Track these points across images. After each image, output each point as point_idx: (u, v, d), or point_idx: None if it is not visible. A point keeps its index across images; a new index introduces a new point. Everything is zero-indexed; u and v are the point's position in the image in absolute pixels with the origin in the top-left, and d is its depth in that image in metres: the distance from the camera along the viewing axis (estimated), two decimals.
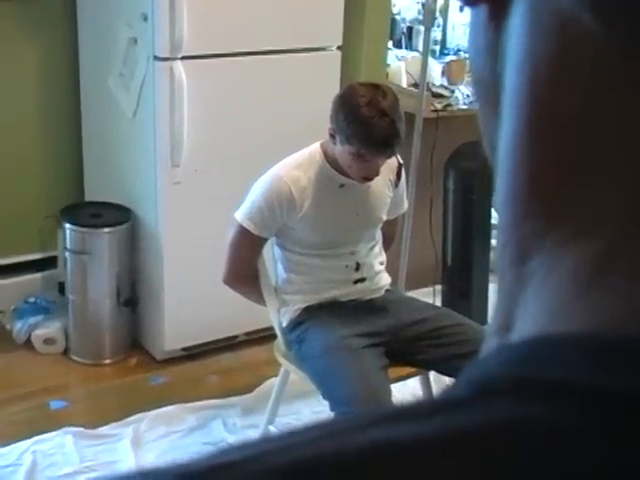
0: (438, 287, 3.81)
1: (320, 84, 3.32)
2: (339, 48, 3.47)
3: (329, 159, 2.53)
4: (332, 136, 2.48)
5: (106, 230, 3.36)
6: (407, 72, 3.91)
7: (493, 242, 3.95)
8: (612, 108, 0.31)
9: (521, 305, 0.34)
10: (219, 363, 3.50)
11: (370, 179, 2.51)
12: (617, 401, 0.28)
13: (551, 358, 0.30)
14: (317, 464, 0.28)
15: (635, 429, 0.27)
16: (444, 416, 0.30)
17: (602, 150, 0.32)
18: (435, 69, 3.92)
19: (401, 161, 2.71)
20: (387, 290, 2.73)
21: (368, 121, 2.35)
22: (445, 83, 3.90)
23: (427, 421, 0.30)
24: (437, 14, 4.21)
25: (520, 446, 0.28)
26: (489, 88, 0.37)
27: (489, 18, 0.36)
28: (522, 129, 0.34)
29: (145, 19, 3.07)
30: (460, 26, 4.46)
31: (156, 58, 3.09)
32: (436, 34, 4.32)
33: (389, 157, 2.48)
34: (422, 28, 3.78)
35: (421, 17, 4.16)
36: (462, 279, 3.77)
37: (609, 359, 0.29)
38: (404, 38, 4.31)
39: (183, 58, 3.09)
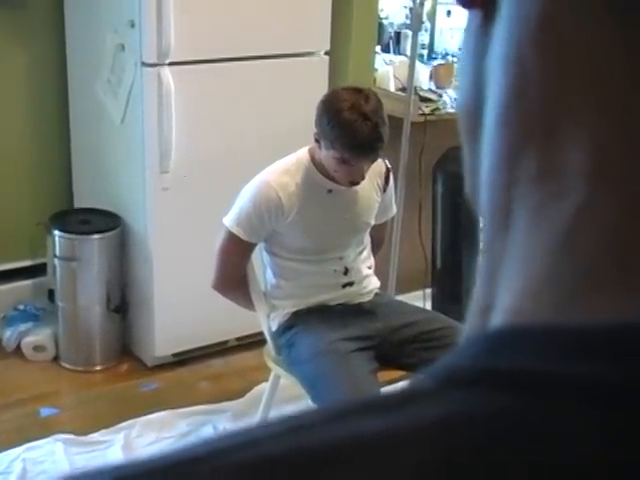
0: (428, 290, 3.82)
1: (308, 89, 3.33)
2: (327, 53, 3.48)
3: (317, 164, 2.53)
4: (317, 141, 2.48)
5: (95, 237, 3.36)
6: (395, 76, 3.92)
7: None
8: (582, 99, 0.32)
9: (500, 283, 0.35)
10: (209, 369, 3.50)
11: (356, 183, 2.52)
12: (575, 389, 0.28)
13: (515, 350, 0.31)
14: (277, 460, 0.29)
15: (593, 417, 0.28)
16: (410, 409, 0.30)
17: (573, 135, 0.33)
18: (423, 73, 3.93)
19: (389, 166, 2.72)
20: (376, 294, 2.74)
21: (351, 125, 2.36)
22: (433, 87, 3.91)
23: (394, 414, 0.30)
24: (424, 18, 4.22)
25: (483, 436, 0.28)
26: (474, 88, 0.38)
27: (480, 23, 0.38)
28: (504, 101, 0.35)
29: (132, 26, 3.07)
30: (447, 30, 4.47)
31: (143, 64, 3.09)
32: (424, 38, 4.34)
33: (373, 161, 2.48)
34: (410, 32, 3.79)
35: (409, 22, 4.18)
36: (452, 282, 3.78)
37: (570, 349, 0.29)
38: (392, 43, 4.32)
39: (171, 64, 3.09)
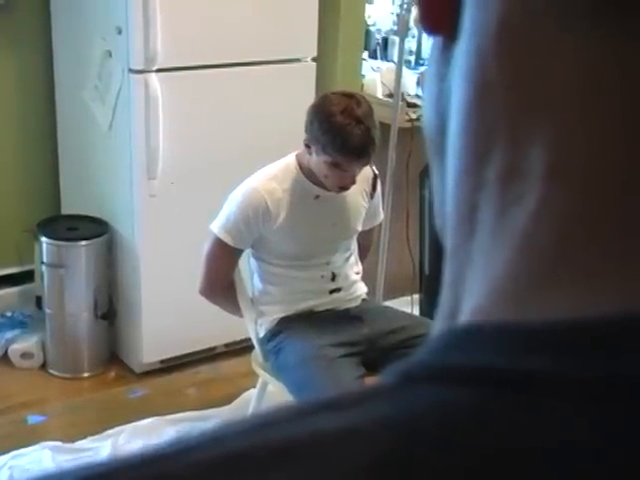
0: (416, 296, 3.82)
1: (295, 95, 3.33)
2: (314, 59, 3.48)
3: (304, 170, 2.54)
4: (307, 146, 2.48)
5: (83, 243, 3.35)
6: (382, 83, 3.93)
7: None
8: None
9: (465, 287, 0.36)
10: (197, 375, 3.49)
11: (346, 188, 2.52)
12: (527, 384, 0.29)
13: (472, 346, 0.32)
14: (239, 457, 0.30)
15: (544, 411, 0.29)
16: (367, 406, 0.31)
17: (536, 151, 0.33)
18: (410, 79, 3.94)
19: (376, 172, 2.73)
20: (363, 299, 2.74)
21: (343, 129, 2.36)
22: (420, 93, 3.92)
23: (352, 411, 0.31)
24: (411, 25, 4.23)
25: (433, 431, 0.29)
26: (437, 111, 0.39)
27: (441, 49, 0.39)
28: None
29: (119, 32, 3.07)
30: None
31: (131, 71, 3.09)
32: (411, 45, 4.35)
33: (365, 165, 2.49)
34: (397, 39, 3.80)
35: (396, 28, 4.19)
36: (440, 288, 3.77)
37: (522, 344, 0.30)
38: (379, 49, 4.34)
39: (158, 71, 3.09)
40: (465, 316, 0.35)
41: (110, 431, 3.06)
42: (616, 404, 0.28)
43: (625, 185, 0.31)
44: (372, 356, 2.54)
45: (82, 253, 3.37)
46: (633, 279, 0.30)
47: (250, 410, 2.84)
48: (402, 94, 3.56)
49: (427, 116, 0.41)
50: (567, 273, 0.32)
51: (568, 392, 0.29)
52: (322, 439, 0.30)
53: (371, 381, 2.55)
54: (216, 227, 2.54)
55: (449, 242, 0.38)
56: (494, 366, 0.30)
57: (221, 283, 2.65)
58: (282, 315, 2.63)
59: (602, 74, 0.31)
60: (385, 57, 4.32)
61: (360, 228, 2.69)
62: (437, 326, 0.38)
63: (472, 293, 0.35)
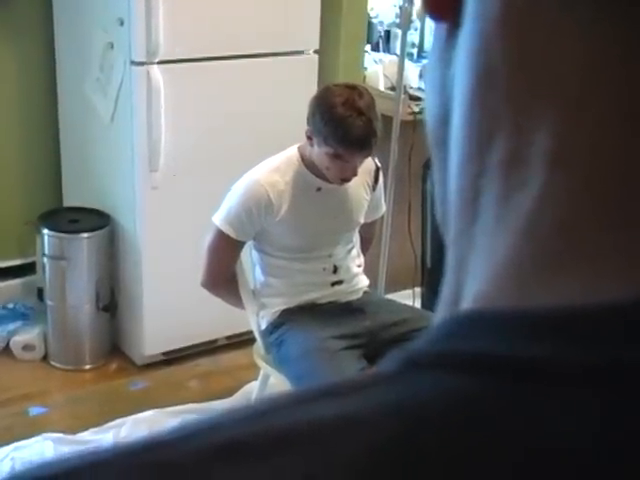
0: (417, 289, 3.82)
1: (298, 88, 3.33)
2: (316, 52, 3.48)
3: (306, 163, 2.54)
4: (309, 138, 2.48)
5: (84, 235, 3.35)
6: (384, 75, 3.92)
7: None
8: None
9: (468, 273, 0.36)
10: (199, 367, 3.49)
11: (348, 180, 2.52)
12: (529, 371, 0.29)
13: (475, 333, 0.31)
14: (238, 443, 0.30)
15: (541, 399, 0.29)
16: (368, 392, 0.31)
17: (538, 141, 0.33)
18: (412, 72, 3.93)
19: (378, 164, 2.73)
20: (365, 292, 2.74)
21: (345, 120, 2.36)
22: (422, 86, 3.91)
23: (351, 398, 0.31)
24: (414, 17, 4.22)
25: (435, 417, 0.29)
26: (440, 99, 0.39)
27: (445, 36, 0.38)
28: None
29: (121, 24, 3.07)
30: None
31: (133, 63, 3.08)
32: (413, 37, 4.34)
33: (366, 156, 2.49)
34: (399, 31, 3.80)
35: (398, 20, 4.18)
36: (441, 281, 3.77)
37: (524, 331, 0.30)
38: (381, 41, 4.33)
39: (160, 63, 3.09)
40: (467, 303, 0.35)
41: (111, 423, 3.07)
42: (622, 390, 0.28)
43: (624, 176, 0.31)
44: (373, 348, 2.54)
45: (84, 245, 3.37)
46: (636, 267, 0.30)
47: (252, 402, 2.84)
48: (404, 87, 3.55)
49: (429, 107, 0.41)
50: (571, 260, 0.32)
51: (573, 378, 0.28)
52: (321, 426, 0.30)
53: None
54: (218, 219, 2.54)
55: (452, 229, 0.38)
56: (496, 353, 0.30)
57: (223, 275, 2.65)
58: (284, 307, 2.63)
59: (606, 60, 0.31)
60: (387, 50, 4.31)
61: (362, 220, 2.69)
62: (439, 313, 0.37)
63: (475, 278, 0.35)
